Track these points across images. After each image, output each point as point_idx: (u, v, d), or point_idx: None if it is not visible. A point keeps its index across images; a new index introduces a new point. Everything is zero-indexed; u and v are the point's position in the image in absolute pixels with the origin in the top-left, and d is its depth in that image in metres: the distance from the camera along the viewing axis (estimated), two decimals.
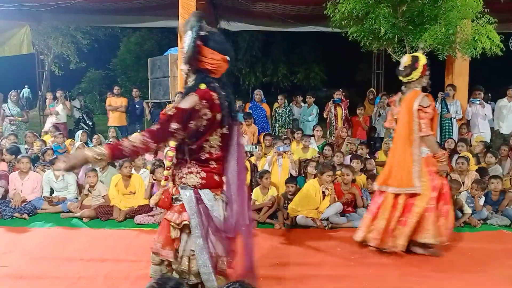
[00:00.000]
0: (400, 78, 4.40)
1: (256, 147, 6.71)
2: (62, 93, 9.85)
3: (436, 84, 9.35)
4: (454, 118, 8.29)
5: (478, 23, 6.86)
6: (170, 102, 8.52)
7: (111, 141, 7.75)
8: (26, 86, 12.45)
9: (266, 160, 6.48)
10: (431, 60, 7.42)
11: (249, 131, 8.10)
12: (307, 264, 4.13)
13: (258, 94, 9.02)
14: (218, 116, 2.56)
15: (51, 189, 6.15)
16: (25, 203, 5.77)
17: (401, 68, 4.38)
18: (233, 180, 2.70)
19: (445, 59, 7.77)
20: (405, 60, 4.37)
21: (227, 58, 2.61)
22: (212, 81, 2.58)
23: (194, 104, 2.46)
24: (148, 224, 5.39)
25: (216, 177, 2.67)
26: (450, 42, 6.95)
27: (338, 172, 5.78)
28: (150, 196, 5.66)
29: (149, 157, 6.97)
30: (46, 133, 8.86)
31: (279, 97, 9.23)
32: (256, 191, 5.71)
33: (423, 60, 4.33)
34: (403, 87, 4.44)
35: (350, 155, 6.83)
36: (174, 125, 2.42)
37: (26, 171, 6.01)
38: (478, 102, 8.27)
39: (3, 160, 6.60)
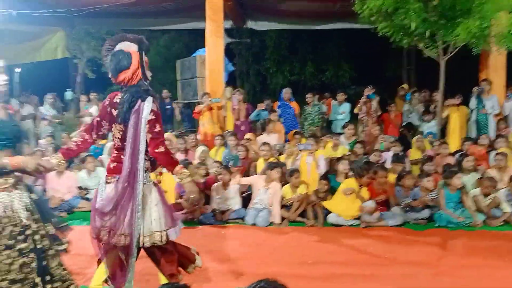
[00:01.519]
0: None
1: (310, 145, 6.51)
2: (95, 96, 10.13)
3: (472, 79, 9.12)
4: (490, 113, 8.01)
5: None
6: (199, 103, 8.61)
7: None
8: (68, 89, 12.93)
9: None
10: (465, 54, 7.33)
11: (276, 129, 8.05)
12: (338, 263, 4.10)
13: (287, 92, 8.98)
14: (114, 112, 3.08)
15: (86, 189, 6.33)
16: (62, 202, 5.97)
17: None
18: (124, 170, 3.01)
19: (480, 53, 7.54)
20: None
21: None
22: (120, 88, 3.12)
23: (104, 101, 3.22)
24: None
25: (111, 164, 3.13)
26: (485, 35, 6.72)
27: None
28: (177, 194, 5.77)
29: (179, 156, 7.09)
30: None
31: (308, 95, 9.15)
32: (286, 188, 5.70)
33: None
34: None
35: (389, 152, 6.76)
36: (97, 118, 3.16)
37: (62, 170, 6.22)
38: None
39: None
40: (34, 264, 2.55)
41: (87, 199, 6.16)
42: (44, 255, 2.62)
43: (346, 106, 8.99)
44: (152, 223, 3.11)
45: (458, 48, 7.14)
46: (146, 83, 3.13)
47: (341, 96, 9.11)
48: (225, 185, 5.73)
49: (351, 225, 5.24)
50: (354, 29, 11.04)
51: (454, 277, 3.75)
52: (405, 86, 10.33)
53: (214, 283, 3.70)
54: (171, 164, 3.14)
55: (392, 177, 5.84)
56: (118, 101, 3.09)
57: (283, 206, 5.56)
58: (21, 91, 11.11)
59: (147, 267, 3.84)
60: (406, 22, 6.71)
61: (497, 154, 6.08)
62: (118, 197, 3.02)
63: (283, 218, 5.44)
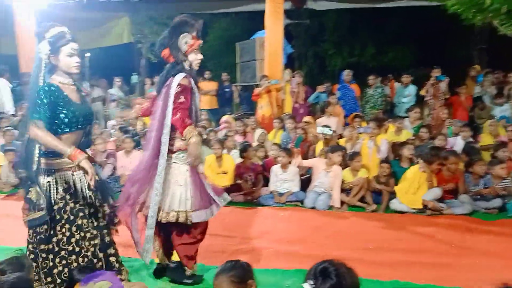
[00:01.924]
0: None
1: (370, 129, 6.35)
2: (159, 79, 10.49)
3: None
4: None
5: None
6: (257, 85, 8.64)
7: (203, 123, 8.07)
8: (134, 73, 13.50)
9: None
10: None
11: (335, 112, 7.87)
12: (404, 250, 3.98)
13: (348, 74, 8.75)
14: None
15: None
16: None
17: None
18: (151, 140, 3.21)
19: None
20: None
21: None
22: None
23: None
24: (240, 202, 5.59)
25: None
26: None
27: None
28: (237, 175, 5.84)
29: (238, 138, 7.19)
30: None
31: (370, 77, 8.85)
32: (346, 172, 5.60)
33: None
34: None
35: (457, 138, 6.49)
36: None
37: (130, 149, 6.54)
38: None
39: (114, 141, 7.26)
40: (97, 240, 2.73)
41: None
42: (106, 232, 2.82)
43: (412, 89, 8.57)
44: (173, 201, 3.17)
45: None
46: (186, 63, 3.24)
47: (406, 78, 8.70)
48: (284, 167, 5.74)
49: (414, 213, 5.07)
50: (418, 7, 10.46)
51: None
52: (477, 67, 9.68)
53: (273, 263, 3.73)
54: (182, 126, 3.17)
55: (461, 164, 5.54)
56: None
57: (342, 190, 5.49)
58: (90, 74, 11.74)
59: (212, 244, 3.96)
60: None
61: None
62: (142, 166, 3.21)
63: (342, 203, 5.37)
